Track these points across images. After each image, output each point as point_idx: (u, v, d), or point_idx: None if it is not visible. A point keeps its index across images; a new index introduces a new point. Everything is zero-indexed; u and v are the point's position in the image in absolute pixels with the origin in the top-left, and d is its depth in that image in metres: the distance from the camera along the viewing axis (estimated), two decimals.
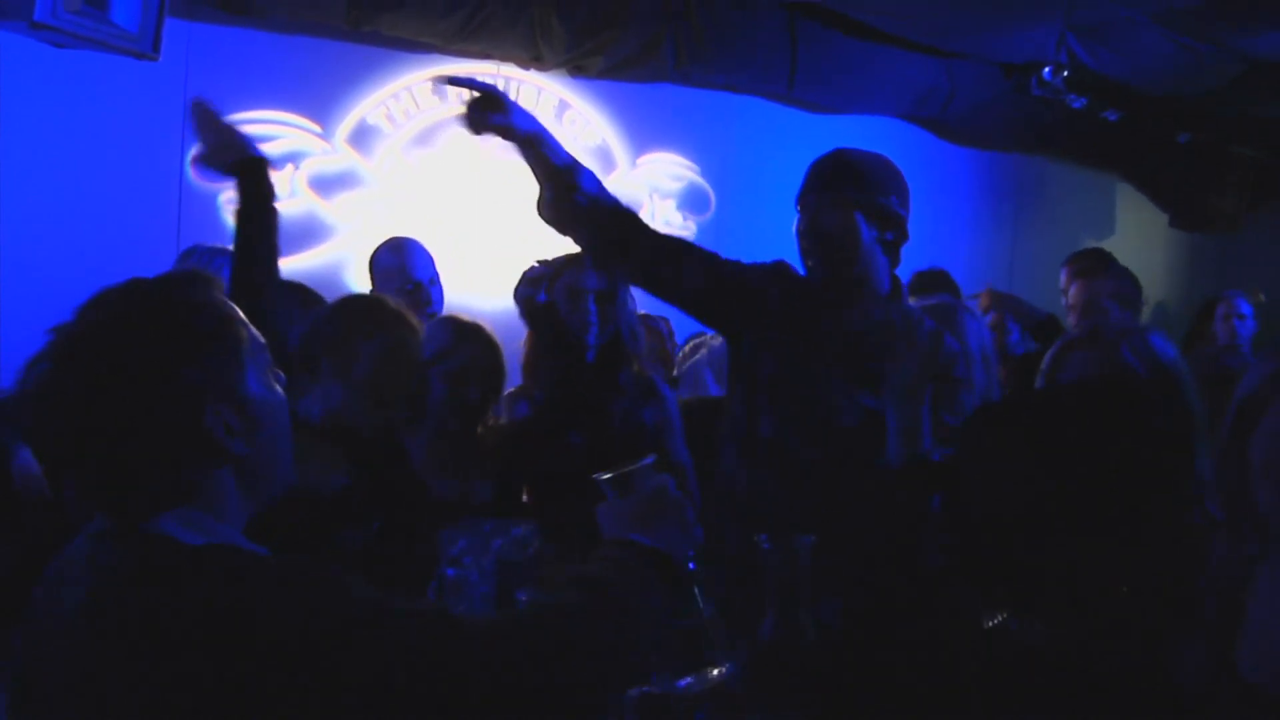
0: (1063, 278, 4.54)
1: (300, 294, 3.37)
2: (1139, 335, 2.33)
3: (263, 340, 1.44)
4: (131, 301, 1.34)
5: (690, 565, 1.60)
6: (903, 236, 2.63)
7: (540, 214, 2.64)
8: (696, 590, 1.64)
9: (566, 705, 1.30)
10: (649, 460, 1.62)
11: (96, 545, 1.29)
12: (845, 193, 2.57)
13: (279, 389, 1.44)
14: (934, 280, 4.67)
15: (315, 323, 2.60)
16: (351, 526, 2.25)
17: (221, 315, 1.38)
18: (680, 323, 4.61)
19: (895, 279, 2.67)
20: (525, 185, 5.91)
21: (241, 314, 1.42)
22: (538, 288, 3.20)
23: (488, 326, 3.02)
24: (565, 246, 5.72)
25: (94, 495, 1.31)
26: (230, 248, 4.00)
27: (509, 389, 3.12)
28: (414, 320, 2.62)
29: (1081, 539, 1.31)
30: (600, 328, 3.07)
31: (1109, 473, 1.33)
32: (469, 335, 2.90)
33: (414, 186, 5.32)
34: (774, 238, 4.73)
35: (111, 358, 1.29)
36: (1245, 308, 5.27)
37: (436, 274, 3.81)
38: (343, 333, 2.53)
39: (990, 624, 1.34)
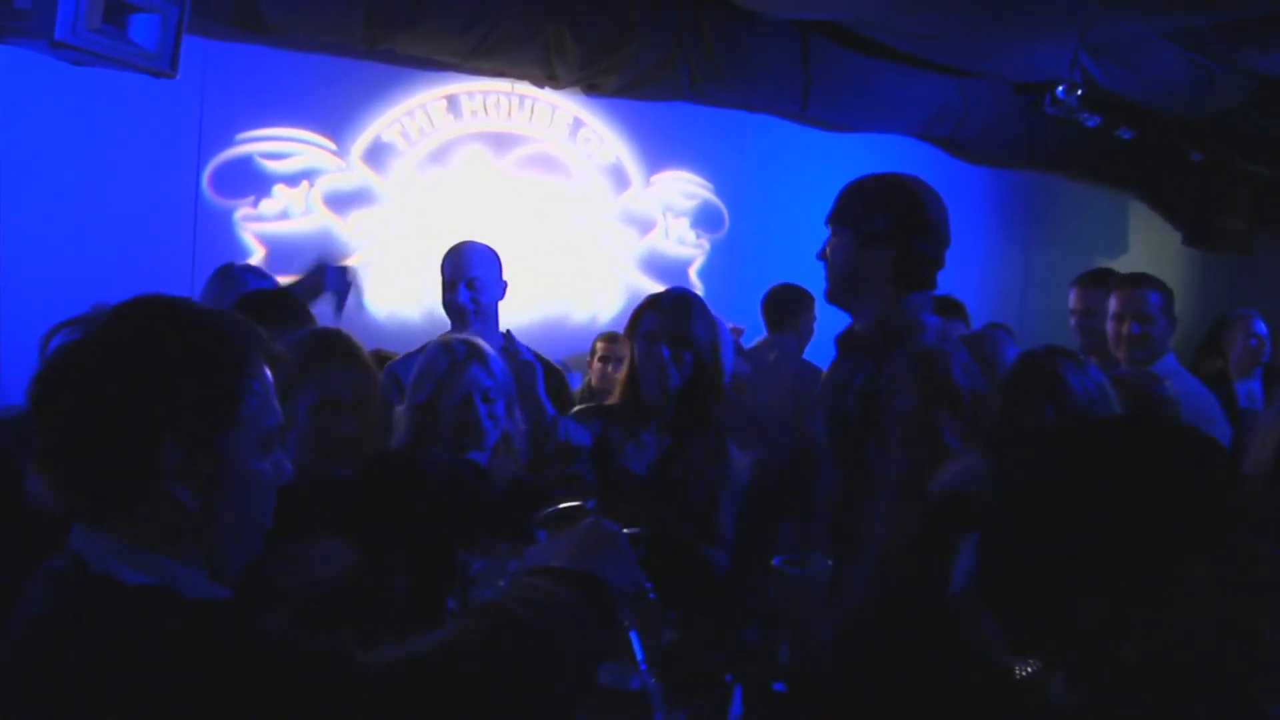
0: (1072, 297, 4.50)
1: (279, 309, 3.27)
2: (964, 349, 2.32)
3: (276, 413, 1.40)
4: (151, 317, 1.33)
5: (651, 595, 1.53)
6: (905, 254, 2.57)
7: None
8: (638, 653, 1.56)
9: None
10: (590, 504, 1.58)
11: (44, 580, 1.29)
12: (838, 222, 2.62)
13: (268, 466, 1.39)
14: (944, 307, 4.66)
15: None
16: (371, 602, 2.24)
17: (228, 365, 1.34)
18: None
19: (904, 301, 2.60)
20: (539, 204, 5.94)
21: (267, 377, 1.39)
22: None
23: (479, 342, 2.97)
24: (572, 264, 5.75)
25: (52, 492, 1.30)
26: (261, 268, 4.04)
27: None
28: (356, 358, 2.51)
29: (1118, 591, 1.24)
30: (677, 371, 3.06)
31: (1151, 517, 1.24)
32: (465, 355, 2.84)
33: (428, 204, 5.34)
34: (787, 255, 4.74)
35: (100, 358, 1.28)
36: (1261, 328, 5.21)
37: (475, 274, 3.78)
38: (283, 382, 2.44)
39: (1021, 674, 1.28)
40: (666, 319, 3.10)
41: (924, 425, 2.34)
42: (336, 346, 2.50)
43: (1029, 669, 1.28)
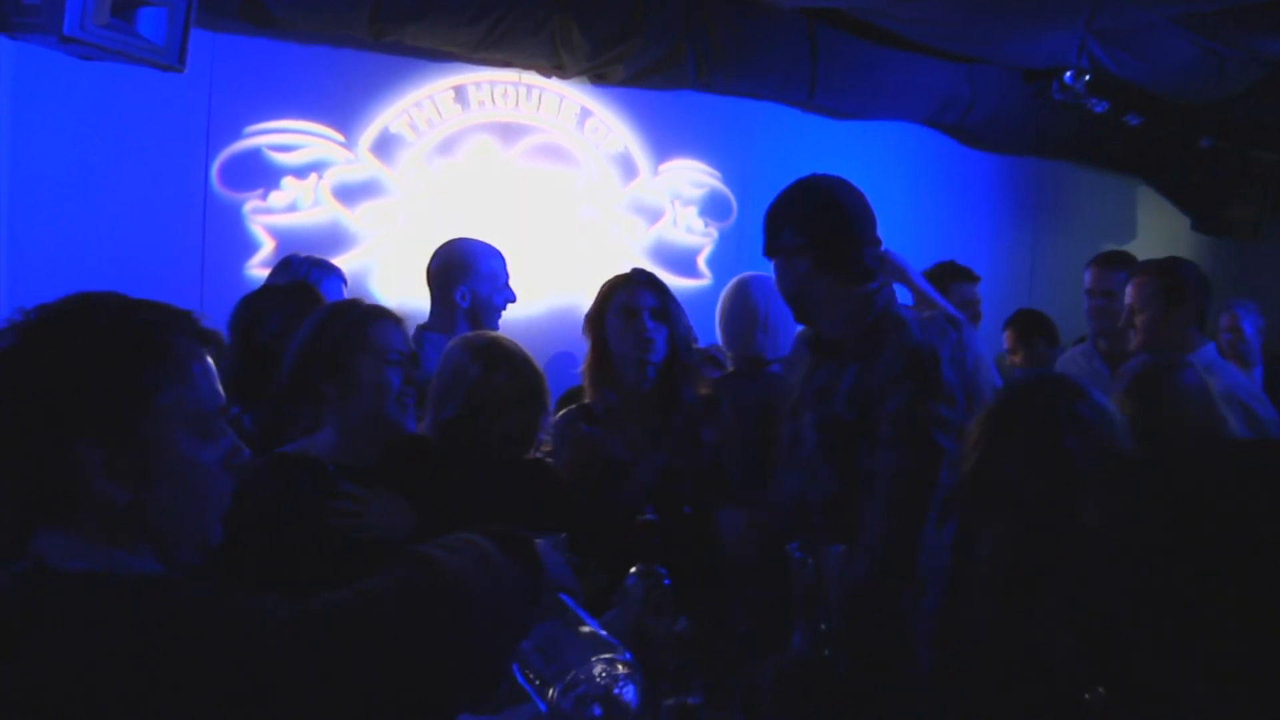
0: (1088, 278, 4.43)
1: (288, 299, 3.26)
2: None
3: (216, 394, 1.38)
4: (58, 318, 1.32)
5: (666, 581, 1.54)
6: (822, 256, 2.60)
7: None
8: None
9: (388, 695, 1.26)
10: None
11: (8, 581, 1.29)
12: (766, 254, 2.74)
13: (210, 452, 1.37)
14: (949, 273, 4.69)
15: (308, 344, 2.45)
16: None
17: (139, 355, 1.31)
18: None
19: (870, 298, 2.60)
20: (547, 194, 5.93)
21: (199, 365, 1.36)
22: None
23: (509, 341, 2.91)
24: (581, 254, 5.75)
25: None
26: (328, 260, 4.04)
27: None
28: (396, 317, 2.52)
29: (1208, 644, 1.10)
30: (659, 345, 3.05)
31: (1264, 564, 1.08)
32: (498, 361, 2.75)
33: (437, 195, 5.34)
34: None
35: (20, 358, 1.28)
36: (1242, 312, 5.22)
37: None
38: (340, 352, 2.40)
39: (1088, 695, 1.22)
40: (644, 293, 3.08)
41: (914, 423, 2.34)
42: None
43: (1096, 693, 1.22)
